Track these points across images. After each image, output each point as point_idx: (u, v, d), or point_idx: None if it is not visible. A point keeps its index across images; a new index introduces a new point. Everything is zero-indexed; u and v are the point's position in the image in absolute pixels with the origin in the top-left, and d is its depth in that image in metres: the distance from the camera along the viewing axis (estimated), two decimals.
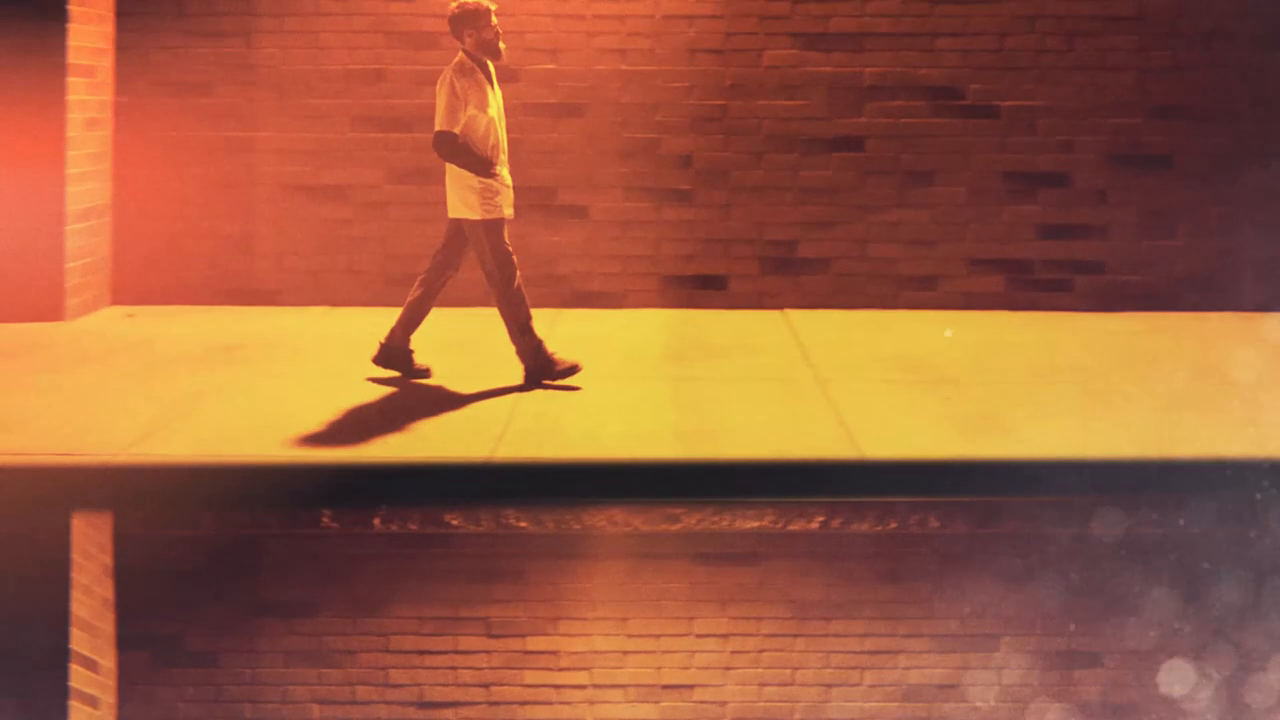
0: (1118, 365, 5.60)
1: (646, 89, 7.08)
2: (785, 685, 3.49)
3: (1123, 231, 7.00)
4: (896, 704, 3.36)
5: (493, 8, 5.30)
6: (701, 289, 7.05)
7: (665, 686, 3.58)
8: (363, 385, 5.22)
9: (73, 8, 6.64)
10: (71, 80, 6.67)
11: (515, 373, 5.28)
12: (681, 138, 7.07)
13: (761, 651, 3.64)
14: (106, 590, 3.95)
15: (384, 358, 5.42)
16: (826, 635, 3.71)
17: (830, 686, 3.47)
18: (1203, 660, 3.31)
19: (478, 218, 5.21)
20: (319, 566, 4.14)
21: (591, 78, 7.08)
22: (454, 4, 5.32)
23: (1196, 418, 4.64)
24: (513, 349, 5.28)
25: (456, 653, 3.68)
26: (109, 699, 3.32)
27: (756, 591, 4.02)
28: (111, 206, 7.09)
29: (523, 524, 4.66)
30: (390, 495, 4.67)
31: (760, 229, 7.05)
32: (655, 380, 5.35)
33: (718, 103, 7.08)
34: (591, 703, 3.41)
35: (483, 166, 5.12)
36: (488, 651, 3.71)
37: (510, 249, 5.24)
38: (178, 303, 7.03)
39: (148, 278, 7.04)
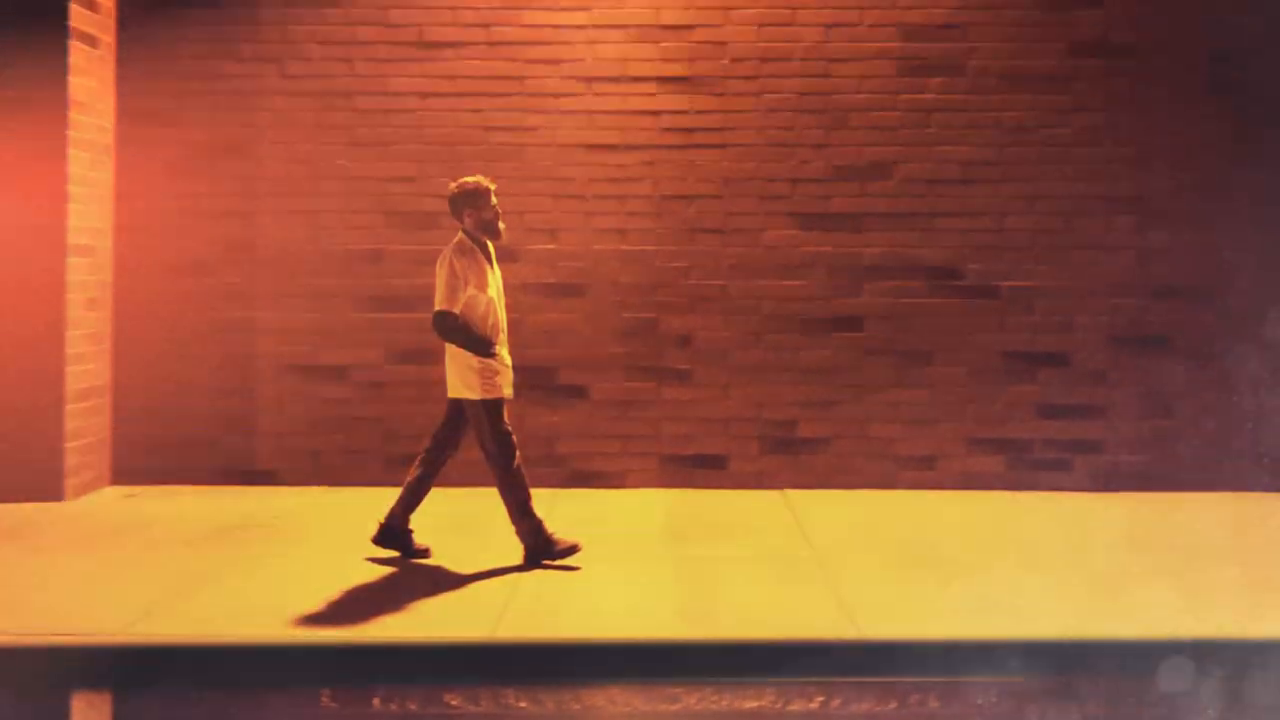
0: (1118, 546, 5.62)
1: (646, 269, 7.09)
2: None
3: (1122, 411, 7.01)
4: None
5: (492, 188, 5.33)
6: (701, 469, 7.05)
7: None
8: (362, 565, 5.24)
9: (72, 189, 6.66)
10: (72, 261, 6.68)
11: (515, 552, 5.30)
12: (681, 317, 7.08)
13: None
14: None
15: (384, 537, 5.43)
16: None
17: None
18: None
19: (477, 397, 5.22)
20: None
21: (591, 258, 7.09)
22: (453, 184, 5.35)
23: (1199, 599, 4.65)
24: (512, 529, 5.28)
25: None
26: None
27: None
28: (111, 386, 7.09)
29: (522, 704, 4.66)
30: (390, 674, 4.68)
31: (760, 409, 7.05)
32: (655, 560, 5.38)
33: (717, 282, 7.08)
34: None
35: (482, 346, 5.14)
36: None
37: (510, 429, 5.25)
38: (178, 483, 7.04)
39: (147, 458, 7.05)
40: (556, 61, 7.10)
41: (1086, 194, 7.06)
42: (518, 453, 5.25)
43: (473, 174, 5.69)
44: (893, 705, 4.35)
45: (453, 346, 5.21)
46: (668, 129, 7.10)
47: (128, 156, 7.10)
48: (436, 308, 5.17)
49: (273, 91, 7.10)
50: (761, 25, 7.11)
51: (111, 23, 7.10)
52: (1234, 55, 7.07)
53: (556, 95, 7.10)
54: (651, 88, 7.10)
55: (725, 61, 7.10)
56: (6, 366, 6.58)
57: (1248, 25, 7.07)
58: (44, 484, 6.58)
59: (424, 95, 7.10)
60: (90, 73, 6.88)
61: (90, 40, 6.87)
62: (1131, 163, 7.06)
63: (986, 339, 7.05)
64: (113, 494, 6.87)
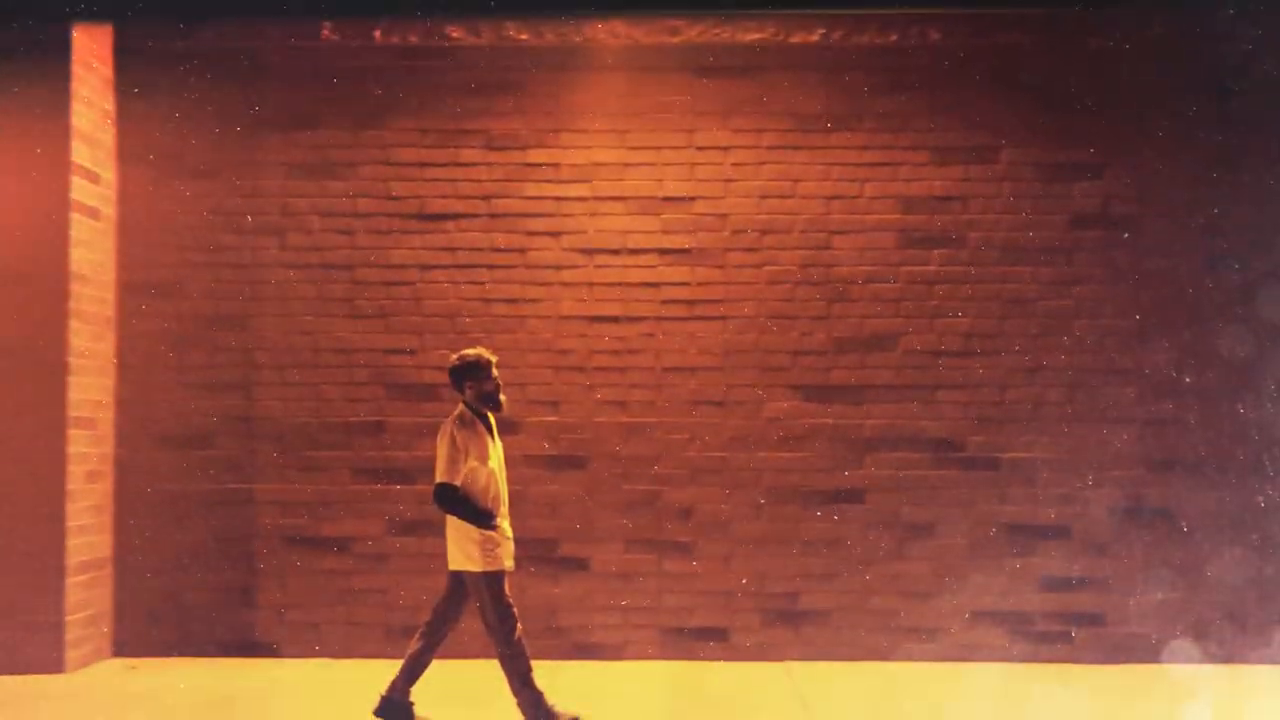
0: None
1: (647, 440, 7.09)
2: None
3: (1123, 584, 7.01)
4: None
5: (493, 360, 5.36)
6: (702, 640, 7.05)
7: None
8: None
9: (73, 360, 6.67)
10: (73, 433, 6.69)
11: None
12: (682, 489, 7.08)
13: None
14: None
15: (385, 710, 5.45)
16: None
17: None
18: None
19: (478, 569, 5.24)
20: None
21: (592, 429, 7.09)
22: (454, 356, 5.38)
23: None
24: (514, 701, 5.29)
25: None
26: None
27: None
28: (112, 559, 7.09)
29: None
30: None
31: (761, 581, 7.05)
32: None
33: (718, 454, 7.08)
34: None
35: (483, 518, 5.16)
36: None
37: (511, 601, 5.27)
38: (179, 655, 7.04)
39: (149, 630, 7.04)
40: (558, 233, 7.11)
41: (1087, 366, 7.07)
42: (519, 624, 5.27)
43: (473, 346, 5.72)
44: None
45: (454, 518, 5.24)
46: (669, 300, 7.11)
47: (129, 328, 7.11)
48: (437, 480, 5.19)
49: (273, 263, 7.11)
50: (762, 197, 7.12)
51: (113, 195, 7.11)
52: (1232, 229, 7.09)
53: (558, 267, 7.11)
54: (653, 259, 7.11)
55: (726, 233, 7.12)
56: (7, 538, 6.58)
57: (1244, 199, 7.08)
58: (45, 656, 6.58)
59: (425, 267, 7.11)
60: (92, 245, 6.89)
61: (92, 213, 6.88)
62: (1132, 334, 7.07)
63: (988, 511, 7.05)
64: (114, 666, 6.87)
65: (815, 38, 7.11)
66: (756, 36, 7.11)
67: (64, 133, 6.65)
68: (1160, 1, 7.04)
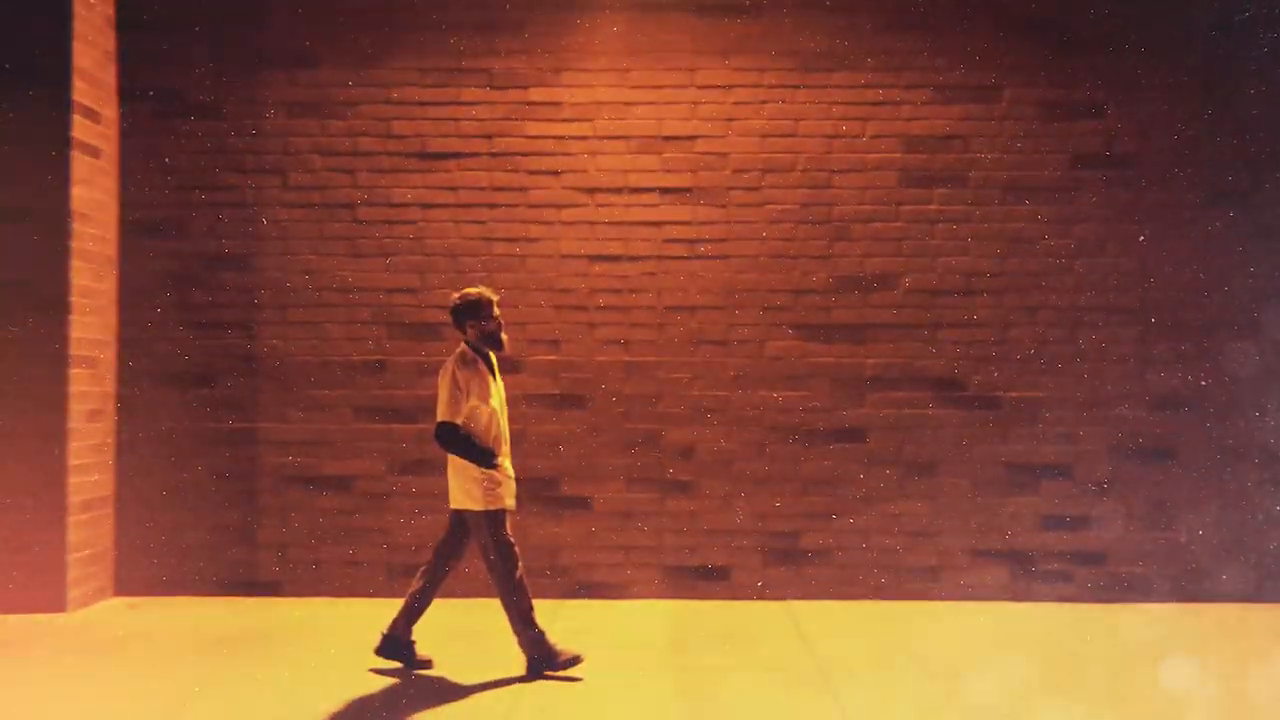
0: (1121, 659, 5.61)
1: (648, 380, 7.08)
2: None
3: (1125, 523, 7.01)
4: None
5: (495, 299, 5.34)
6: (704, 580, 7.04)
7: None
8: (365, 676, 5.27)
9: (74, 299, 6.66)
10: (74, 372, 6.68)
11: (518, 664, 5.36)
12: (684, 428, 7.08)
13: None
14: None
15: (386, 649, 5.44)
16: None
17: None
18: None
19: (480, 509, 5.23)
20: None
21: (594, 368, 7.08)
22: (456, 295, 5.36)
23: (1199, 715, 4.68)
24: (515, 640, 5.28)
25: None
26: None
27: None
28: (114, 498, 7.09)
29: None
30: None
31: (762, 520, 7.05)
32: (658, 672, 5.39)
33: (720, 394, 7.08)
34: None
35: (485, 457, 5.15)
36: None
37: (512, 540, 5.25)
38: (180, 594, 7.03)
39: (150, 569, 7.04)
40: (559, 172, 7.10)
41: (1089, 305, 7.06)
42: (520, 563, 5.26)
43: (475, 285, 5.72)
44: None
45: (455, 457, 5.23)
46: (670, 240, 7.10)
47: (130, 267, 7.10)
48: (439, 419, 5.19)
49: (275, 203, 7.10)
50: (764, 136, 7.11)
51: (114, 134, 7.10)
52: (1235, 166, 7.08)
53: (559, 206, 7.10)
54: (654, 198, 7.10)
55: (727, 172, 7.11)
56: (9, 477, 6.59)
57: (1248, 136, 7.08)
58: (47, 595, 6.58)
59: (426, 206, 7.10)
60: (93, 184, 6.88)
61: (92, 151, 6.87)
62: (1134, 273, 7.07)
63: (989, 450, 7.05)
64: (115, 605, 6.86)
65: None
66: None
67: (64, 71, 6.65)
68: None
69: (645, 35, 7.13)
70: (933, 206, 7.10)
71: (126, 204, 7.12)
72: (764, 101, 7.12)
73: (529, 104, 7.13)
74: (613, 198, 7.11)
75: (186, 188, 7.12)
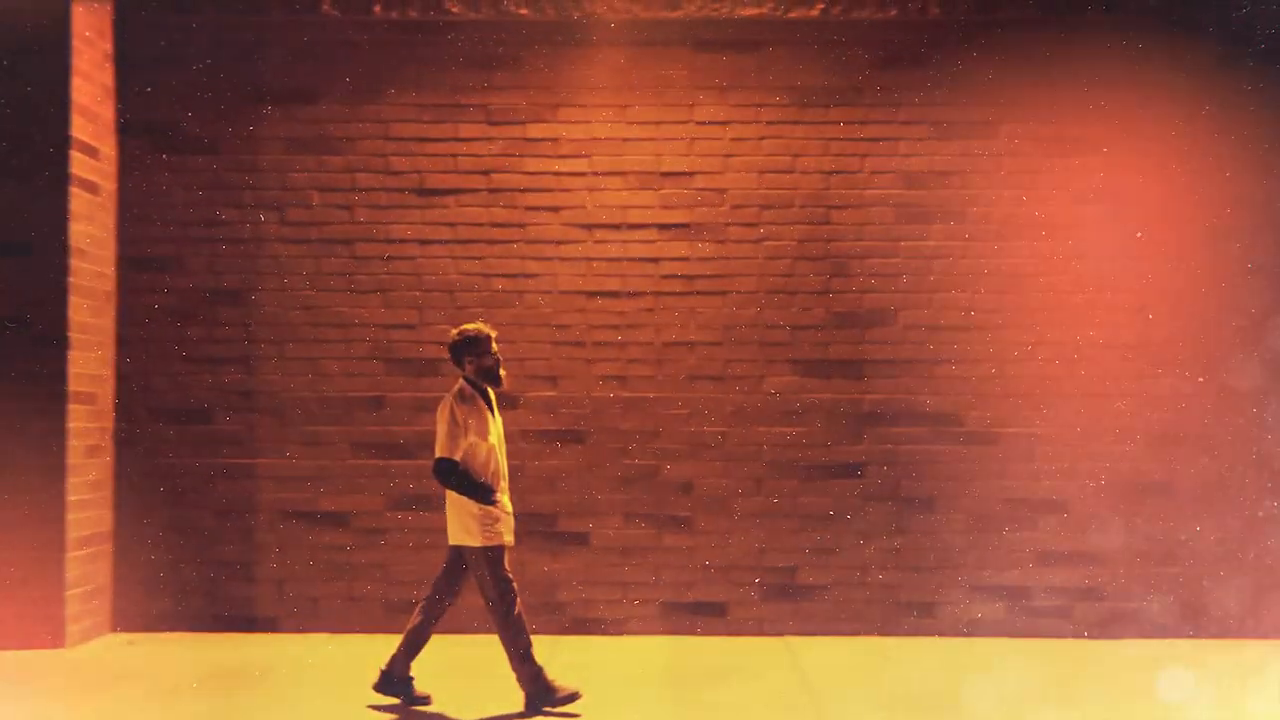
0: (1117, 695, 5.63)
1: (646, 415, 7.09)
2: None
3: (1122, 558, 7.01)
4: None
5: (493, 335, 5.36)
6: (702, 615, 7.05)
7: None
8: (363, 713, 5.27)
9: (73, 335, 6.67)
10: (72, 408, 6.69)
11: (516, 700, 5.35)
12: (682, 464, 7.09)
13: None
14: None
15: (385, 684, 5.45)
16: None
17: None
18: None
19: (478, 544, 5.24)
20: None
21: (592, 404, 7.09)
22: (454, 331, 5.38)
23: None
24: (513, 675, 5.30)
25: None
26: None
27: None
28: (112, 533, 7.09)
29: None
30: None
31: (760, 555, 7.06)
32: (656, 708, 5.41)
33: (718, 429, 7.09)
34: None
35: (483, 493, 5.16)
36: None
37: (510, 576, 5.27)
38: (178, 629, 7.04)
39: (148, 605, 7.05)
40: (557, 208, 7.11)
41: (1087, 341, 7.07)
42: (518, 599, 5.27)
43: (473, 321, 5.73)
44: None
45: (453, 493, 5.24)
46: (668, 276, 7.11)
47: (129, 302, 7.11)
48: (437, 454, 5.20)
49: (273, 238, 7.11)
50: (762, 172, 7.12)
51: (113, 169, 7.11)
52: (1233, 202, 7.09)
53: (557, 242, 7.11)
54: (652, 234, 7.11)
55: (725, 208, 7.12)
56: (8, 513, 6.59)
57: (1247, 173, 7.08)
58: (45, 631, 6.58)
59: (424, 242, 7.11)
60: (91, 219, 6.89)
61: (91, 187, 6.88)
62: (1131, 309, 7.07)
63: (987, 486, 7.05)
64: (113, 641, 6.87)
65: (815, 12, 7.10)
66: (756, 11, 7.11)
67: (63, 107, 6.65)
68: None
69: (643, 71, 7.13)
70: (930, 242, 7.10)
71: (125, 239, 7.13)
72: (762, 137, 7.13)
73: (527, 140, 7.13)
74: (611, 234, 7.11)
75: (185, 223, 7.13)
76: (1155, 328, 7.06)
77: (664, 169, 7.13)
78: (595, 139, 7.13)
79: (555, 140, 7.13)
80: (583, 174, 7.13)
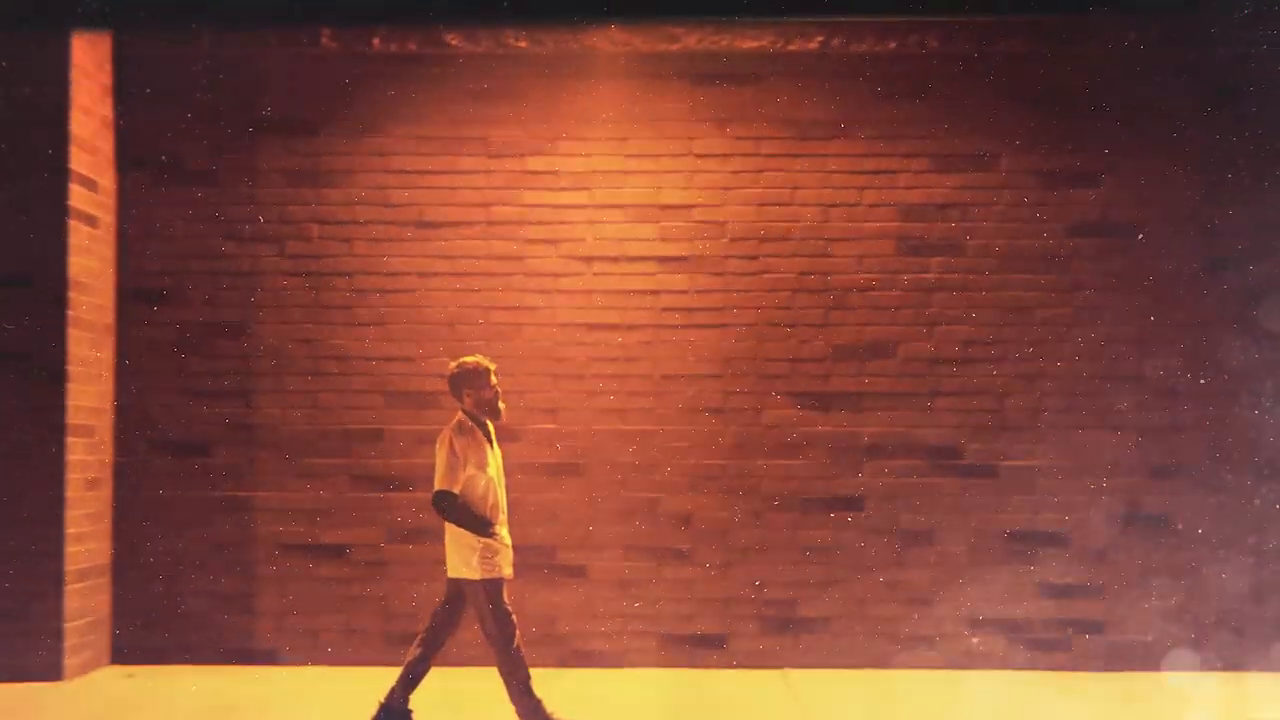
0: None
1: (646, 448, 7.09)
2: None
3: (1123, 591, 7.00)
4: None
5: (492, 368, 5.35)
6: (701, 648, 7.05)
7: None
8: None
9: (72, 368, 6.67)
10: (71, 440, 6.68)
11: None
12: (681, 497, 7.08)
13: None
14: None
15: (384, 717, 5.43)
16: None
17: None
18: None
19: (477, 577, 5.23)
20: None
21: (591, 437, 7.09)
22: (453, 364, 5.37)
23: None
24: (512, 709, 5.29)
25: None
26: None
27: None
28: (111, 566, 7.09)
29: None
30: None
31: (759, 588, 7.05)
32: None
33: (717, 462, 7.09)
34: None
35: (482, 526, 5.16)
36: None
37: (510, 608, 5.26)
38: (177, 662, 7.04)
39: (147, 637, 7.05)
40: (556, 241, 7.12)
41: (1086, 373, 7.07)
42: (518, 632, 5.26)
43: (472, 354, 5.72)
44: None
45: (452, 526, 5.23)
46: (667, 309, 7.11)
47: (128, 335, 7.11)
48: (436, 487, 5.19)
49: (272, 271, 7.12)
50: (761, 205, 7.12)
51: (112, 202, 7.12)
52: (1233, 233, 7.09)
53: (556, 275, 7.11)
54: (651, 267, 7.12)
55: (725, 241, 7.12)
56: (6, 545, 6.58)
57: (1247, 203, 7.08)
58: (43, 663, 6.57)
59: (423, 275, 7.11)
60: (90, 252, 6.89)
61: (90, 220, 6.88)
62: (1131, 341, 7.07)
63: (986, 518, 7.05)
64: (112, 674, 6.87)
65: (814, 45, 7.11)
66: (755, 44, 7.11)
67: (62, 140, 6.65)
68: (1157, 8, 7.02)
69: (642, 104, 7.13)
70: (930, 275, 7.10)
71: (124, 272, 7.13)
72: (761, 170, 7.13)
73: (526, 173, 7.14)
74: (610, 266, 7.12)
75: (184, 256, 7.13)
76: (1154, 360, 7.06)
77: (663, 201, 7.14)
78: (594, 171, 7.13)
79: (555, 173, 7.14)
80: (582, 206, 7.13)
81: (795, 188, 7.13)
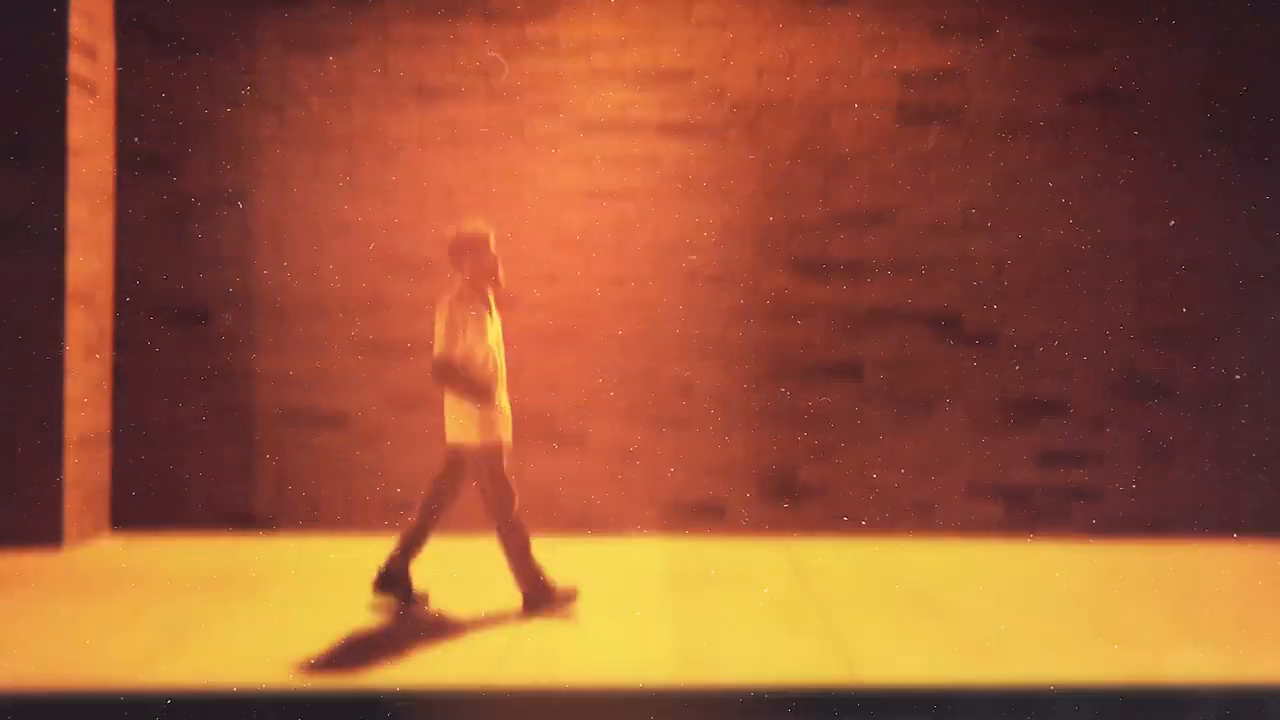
0: (1116, 595, 5.62)
1: (644, 316, 7.08)
2: None
3: (1122, 459, 7.01)
4: None
5: (492, 235, 5.33)
6: (700, 516, 7.05)
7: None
8: (362, 612, 5.27)
9: (71, 236, 6.66)
10: (70, 308, 6.68)
11: (515, 599, 5.36)
12: (680, 365, 7.08)
13: None
14: None
15: (384, 584, 5.43)
16: None
17: None
18: None
19: (477, 443, 5.22)
20: None
21: (590, 305, 7.08)
22: (452, 231, 5.35)
23: (1192, 647, 4.67)
24: (511, 576, 5.28)
25: None
26: None
27: None
28: (110, 434, 7.09)
29: None
30: None
31: (759, 456, 7.05)
32: (654, 607, 5.40)
33: (716, 330, 7.08)
34: None
35: (481, 393, 5.15)
36: None
37: (509, 475, 5.25)
38: (177, 530, 7.04)
39: (147, 505, 7.05)
40: (555, 108, 7.10)
41: (1085, 241, 7.06)
42: (517, 499, 5.26)
43: (472, 221, 5.71)
44: None
45: (451, 393, 5.22)
46: (666, 176, 7.09)
47: (127, 203, 7.10)
48: (435, 355, 5.18)
49: (271, 139, 7.10)
50: (760, 72, 7.11)
51: (110, 70, 7.10)
52: (1234, 103, 7.07)
53: (554, 142, 7.10)
54: (650, 135, 7.10)
55: (724, 109, 7.10)
56: (6, 413, 6.59)
57: (1249, 73, 7.07)
58: (43, 530, 6.58)
59: (422, 141, 7.09)
60: (90, 120, 6.88)
61: (90, 87, 6.87)
62: (1131, 210, 7.06)
63: (986, 387, 7.04)
64: (112, 541, 6.87)
65: None
66: None
67: (62, 6, 6.63)
68: None
69: None
70: (929, 143, 7.09)
71: (123, 140, 7.12)
72: (761, 37, 7.12)
73: (525, 40, 7.12)
74: (609, 134, 7.10)
75: (183, 123, 7.12)
76: (1154, 228, 7.05)
77: (662, 68, 7.12)
78: (593, 38, 7.12)
79: (553, 40, 7.12)
80: (580, 73, 7.12)
81: (794, 55, 7.11)
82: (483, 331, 5.23)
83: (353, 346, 7.09)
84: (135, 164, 7.11)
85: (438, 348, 5.17)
